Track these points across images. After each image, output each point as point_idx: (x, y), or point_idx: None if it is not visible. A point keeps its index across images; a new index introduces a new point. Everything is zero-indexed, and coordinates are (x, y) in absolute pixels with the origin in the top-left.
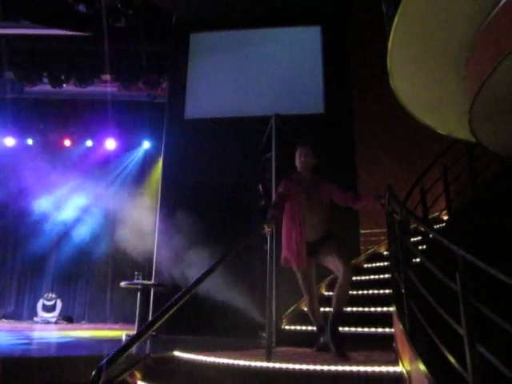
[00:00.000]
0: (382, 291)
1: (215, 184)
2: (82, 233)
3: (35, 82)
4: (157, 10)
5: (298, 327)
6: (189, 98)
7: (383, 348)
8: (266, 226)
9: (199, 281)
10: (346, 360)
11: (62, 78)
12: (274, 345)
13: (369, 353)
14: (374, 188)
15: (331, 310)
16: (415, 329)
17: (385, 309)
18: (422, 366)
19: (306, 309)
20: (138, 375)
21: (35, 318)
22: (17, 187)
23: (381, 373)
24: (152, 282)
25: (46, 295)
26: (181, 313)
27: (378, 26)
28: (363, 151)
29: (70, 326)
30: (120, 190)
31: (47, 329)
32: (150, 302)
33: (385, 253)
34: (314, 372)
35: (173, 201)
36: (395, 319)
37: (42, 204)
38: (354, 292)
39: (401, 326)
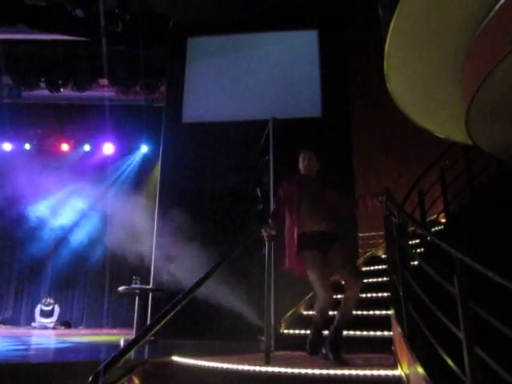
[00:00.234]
0: (380, 294)
1: (213, 188)
2: (79, 237)
3: (33, 87)
4: (154, 15)
5: (297, 331)
6: (186, 101)
7: (382, 351)
8: (263, 230)
9: (197, 285)
10: (344, 365)
11: (60, 82)
12: (272, 349)
13: (367, 356)
14: (372, 191)
15: (335, 319)
16: (413, 332)
17: (383, 312)
18: (420, 369)
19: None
20: (137, 380)
21: (33, 324)
22: (14, 192)
23: (379, 376)
24: (150, 286)
25: (43, 300)
26: (179, 317)
27: (374, 30)
28: (360, 154)
29: (67, 331)
30: (118, 194)
31: (45, 334)
32: (148, 306)
33: (383, 256)
34: (313, 376)
35: (171, 205)
36: (393, 322)
37: (39, 209)
38: None
39: (399, 329)
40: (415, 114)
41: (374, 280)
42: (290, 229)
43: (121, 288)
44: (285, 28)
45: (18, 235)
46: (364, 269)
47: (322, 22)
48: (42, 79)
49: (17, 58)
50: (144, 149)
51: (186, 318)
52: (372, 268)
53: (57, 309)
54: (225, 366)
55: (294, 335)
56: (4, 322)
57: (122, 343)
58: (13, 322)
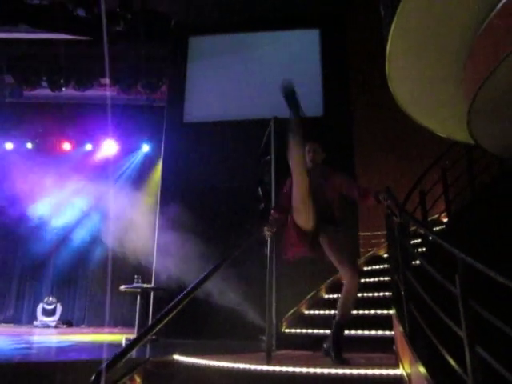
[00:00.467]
0: (381, 294)
1: (214, 187)
2: (81, 236)
3: (34, 86)
4: (156, 14)
5: (298, 330)
6: (188, 101)
7: (383, 350)
8: (266, 228)
9: (199, 284)
10: (345, 364)
11: (61, 81)
12: (273, 348)
13: (369, 355)
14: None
15: (336, 315)
16: (415, 331)
17: (385, 311)
18: (422, 369)
19: (306, 312)
20: (138, 379)
21: (35, 322)
22: (16, 191)
23: (381, 375)
24: (152, 285)
25: (46, 299)
26: (180, 316)
27: (375, 30)
28: (362, 154)
29: (69, 329)
30: (119, 193)
31: (47, 333)
32: (149, 305)
33: (384, 255)
34: (314, 375)
35: (172, 204)
36: (395, 322)
37: (41, 208)
38: None
39: (401, 329)
40: (417, 113)
41: (376, 279)
42: (291, 221)
43: (122, 287)
44: (286, 27)
45: (19, 234)
46: (365, 268)
47: (324, 21)
48: (44, 78)
49: (18, 57)
50: (145, 148)
51: (187, 317)
52: (374, 267)
53: (59, 308)
54: (226, 364)
55: (296, 334)
56: (6, 321)
57: (123, 342)
58: (15, 320)
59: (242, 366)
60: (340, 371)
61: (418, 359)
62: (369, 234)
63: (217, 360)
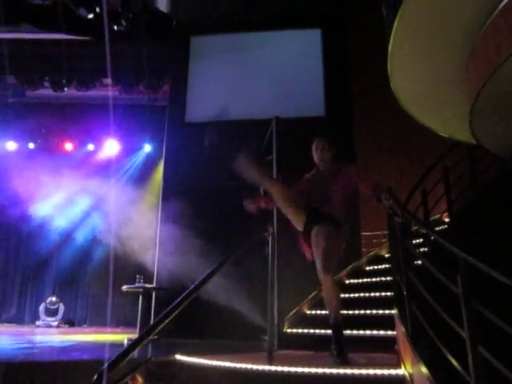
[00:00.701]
0: (383, 294)
1: (216, 187)
2: (83, 236)
3: (36, 86)
4: (157, 14)
5: (300, 330)
6: (189, 101)
7: (385, 351)
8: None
9: (201, 284)
10: (347, 364)
11: (63, 81)
12: (275, 348)
13: (371, 355)
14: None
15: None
16: (417, 331)
17: (386, 311)
18: (424, 369)
19: (308, 311)
20: (140, 379)
21: (37, 322)
22: (18, 191)
23: (383, 375)
24: (153, 285)
25: (48, 299)
26: (182, 316)
27: (378, 29)
28: (364, 154)
29: (71, 329)
30: (121, 193)
31: (49, 333)
32: (151, 305)
33: (386, 255)
34: (316, 375)
35: (174, 204)
36: (397, 322)
37: (43, 207)
38: (356, 294)
39: (403, 329)
40: (418, 112)
41: (378, 279)
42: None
43: (124, 287)
44: (288, 27)
45: (22, 234)
46: (367, 268)
47: (325, 21)
48: (46, 78)
49: (20, 57)
50: (147, 148)
51: (189, 317)
52: (375, 267)
53: (61, 307)
54: (228, 364)
55: (298, 334)
56: (8, 321)
57: (125, 342)
58: (17, 320)
59: (243, 365)
60: (342, 371)
61: (420, 359)
62: (370, 233)
63: (218, 360)
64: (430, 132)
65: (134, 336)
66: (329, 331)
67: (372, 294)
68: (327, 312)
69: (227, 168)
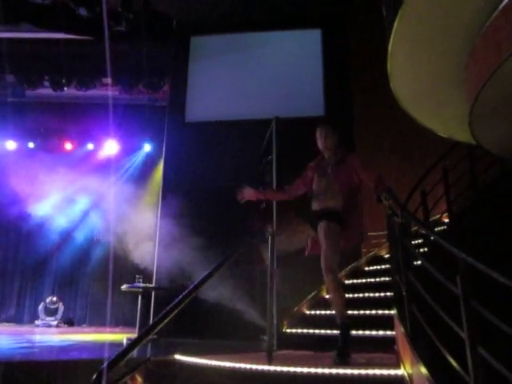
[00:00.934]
0: (383, 294)
1: (216, 187)
2: (83, 236)
3: (36, 86)
4: (157, 14)
5: (299, 330)
6: (189, 100)
7: (384, 351)
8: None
9: (200, 284)
10: (346, 364)
11: (63, 81)
12: (274, 348)
13: (370, 356)
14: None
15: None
16: (416, 331)
17: (386, 312)
18: (423, 369)
19: (308, 311)
20: (139, 379)
21: (36, 322)
22: (18, 190)
23: (382, 376)
24: (153, 285)
25: (48, 299)
26: (181, 316)
27: (376, 29)
28: (363, 154)
29: (70, 329)
30: (121, 192)
31: (48, 332)
32: (150, 305)
33: (386, 256)
34: (315, 375)
35: (174, 204)
36: (396, 322)
37: (43, 207)
38: (355, 295)
39: (402, 329)
40: (418, 113)
41: (377, 279)
42: None
43: (124, 287)
44: (288, 27)
45: (21, 233)
46: (367, 268)
47: (325, 21)
48: (46, 78)
49: (20, 56)
50: (147, 148)
51: (188, 317)
52: (375, 268)
53: (61, 307)
54: (227, 364)
55: (297, 334)
56: (7, 320)
57: (124, 342)
58: (16, 319)
59: (243, 365)
60: (341, 371)
61: (420, 359)
62: (370, 233)
63: (218, 360)
64: (430, 132)
65: (134, 336)
66: (328, 331)
67: (371, 295)
68: (326, 312)
69: (227, 168)
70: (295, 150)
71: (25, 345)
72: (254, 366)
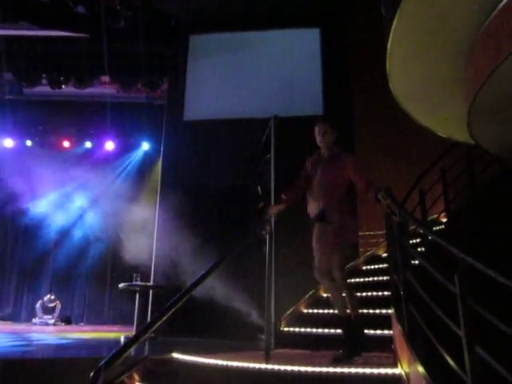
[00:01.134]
0: (380, 293)
1: (214, 185)
2: (80, 234)
3: (34, 83)
4: (156, 12)
5: (297, 329)
6: (188, 99)
7: (382, 350)
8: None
9: (198, 282)
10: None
11: (61, 79)
12: (272, 347)
13: (367, 354)
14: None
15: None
16: (414, 331)
17: (383, 311)
18: (420, 368)
19: (305, 310)
20: (137, 377)
21: (33, 320)
22: (16, 188)
23: (379, 375)
24: (151, 283)
25: (46, 297)
26: (179, 314)
27: (376, 29)
28: (362, 153)
29: (68, 327)
30: (119, 191)
31: (46, 330)
32: (148, 303)
33: (383, 255)
34: (313, 374)
35: (172, 202)
36: (394, 321)
37: (40, 205)
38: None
39: (399, 328)
40: (417, 112)
41: (375, 279)
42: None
43: (121, 285)
44: (287, 26)
45: (18, 231)
46: (364, 267)
47: (324, 20)
48: (44, 76)
49: (18, 54)
50: (145, 146)
51: (186, 316)
52: (373, 267)
53: (58, 305)
54: (225, 363)
55: (294, 333)
56: (4, 319)
57: (122, 340)
58: (13, 318)
59: (240, 364)
60: (338, 370)
61: (417, 358)
62: (368, 233)
63: (215, 358)
64: (428, 132)
65: (131, 334)
66: (326, 330)
67: (369, 294)
68: (324, 311)
69: (225, 166)
70: (294, 149)
71: (22, 343)
72: (252, 365)
